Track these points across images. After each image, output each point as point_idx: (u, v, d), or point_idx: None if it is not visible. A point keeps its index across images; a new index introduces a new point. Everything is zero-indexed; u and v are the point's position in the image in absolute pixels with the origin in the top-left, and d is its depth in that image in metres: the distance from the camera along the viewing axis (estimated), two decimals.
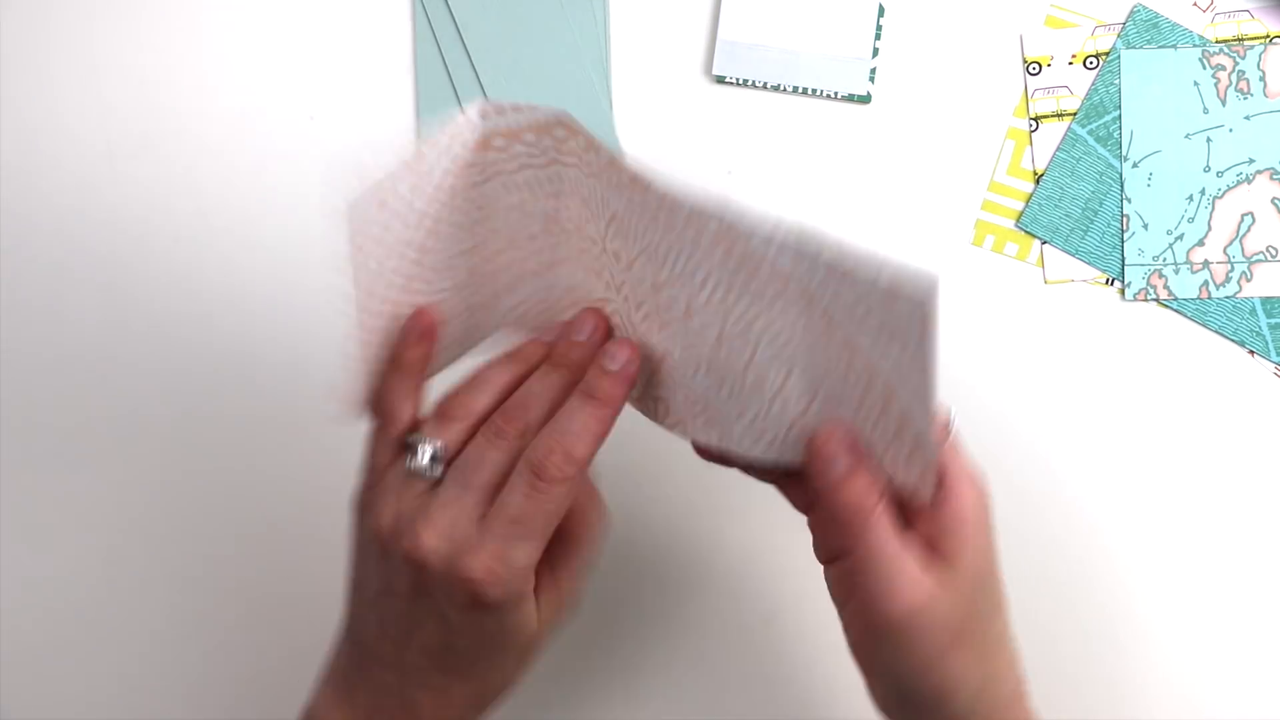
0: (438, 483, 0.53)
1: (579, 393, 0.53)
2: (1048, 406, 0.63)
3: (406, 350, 0.56)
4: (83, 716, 0.64)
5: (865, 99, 0.64)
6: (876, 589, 0.50)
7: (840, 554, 0.51)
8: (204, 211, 0.65)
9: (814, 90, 0.64)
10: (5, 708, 0.64)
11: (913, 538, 0.50)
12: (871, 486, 0.51)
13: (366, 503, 0.55)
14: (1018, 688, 0.52)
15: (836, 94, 0.64)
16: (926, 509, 0.51)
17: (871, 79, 0.64)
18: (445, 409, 0.54)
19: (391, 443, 0.55)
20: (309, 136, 0.65)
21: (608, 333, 0.55)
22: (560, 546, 0.54)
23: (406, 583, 0.52)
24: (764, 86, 0.64)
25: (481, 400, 0.54)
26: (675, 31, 0.65)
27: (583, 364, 0.54)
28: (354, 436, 0.64)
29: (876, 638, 0.51)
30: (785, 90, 0.64)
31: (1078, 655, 0.62)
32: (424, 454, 0.53)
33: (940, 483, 0.51)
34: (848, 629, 0.52)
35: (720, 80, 0.64)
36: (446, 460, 0.53)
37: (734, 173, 0.64)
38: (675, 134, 0.64)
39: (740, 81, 0.64)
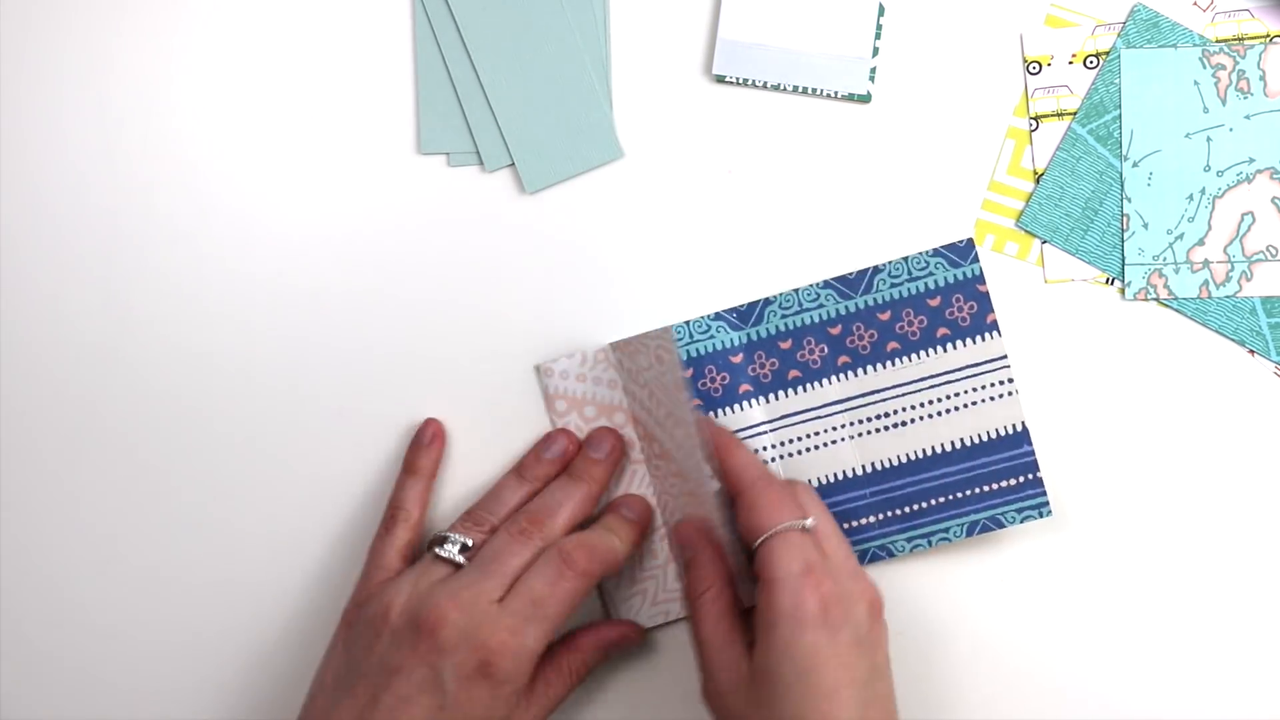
0: (458, 569, 0.56)
1: (610, 514, 0.59)
2: (1047, 406, 0.63)
3: (419, 457, 0.61)
4: (83, 716, 0.64)
5: (865, 99, 0.64)
6: (699, 660, 0.55)
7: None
8: (204, 211, 0.65)
9: (814, 90, 0.64)
10: (5, 708, 0.64)
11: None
12: (703, 576, 0.55)
13: (373, 594, 0.57)
14: None
15: (836, 94, 0.64)
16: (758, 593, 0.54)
17: (871, 79, 0.64)
18: (470, 516, 0.59)
19: (401, 546, 0.59)
20: (309, 136, 0.65)
21: (622, 452, 0.60)
22: (566, 653, 0.58)
23: (409, 653, 0.54)
24: (764, 86, 0.64)
25: (501, 511, 0.59)
26: (675, 31, 0.65)
27: (602, 480, 0.59)
28: (354, 437, 0.64)
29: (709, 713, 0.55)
30: (785, 90, 0.64)
31: (1077, 655, 0.62)
32: (454, 546, 0.57)
33: (761, 573, 0.53)
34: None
35: (720, 80, 0.64)
36: (470, 557, 0.57)
37: (734, 172, 0.64)
38: (675, 134, 0.64)
39: (740, 81, 0.64)
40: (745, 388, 0.61)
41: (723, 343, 0.60)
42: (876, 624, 0.54)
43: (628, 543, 0.58)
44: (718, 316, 0.61)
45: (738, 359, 0.61)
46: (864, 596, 0.54)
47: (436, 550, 0.57)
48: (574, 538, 0.56)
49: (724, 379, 0.60)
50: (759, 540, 0.53)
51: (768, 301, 0.61)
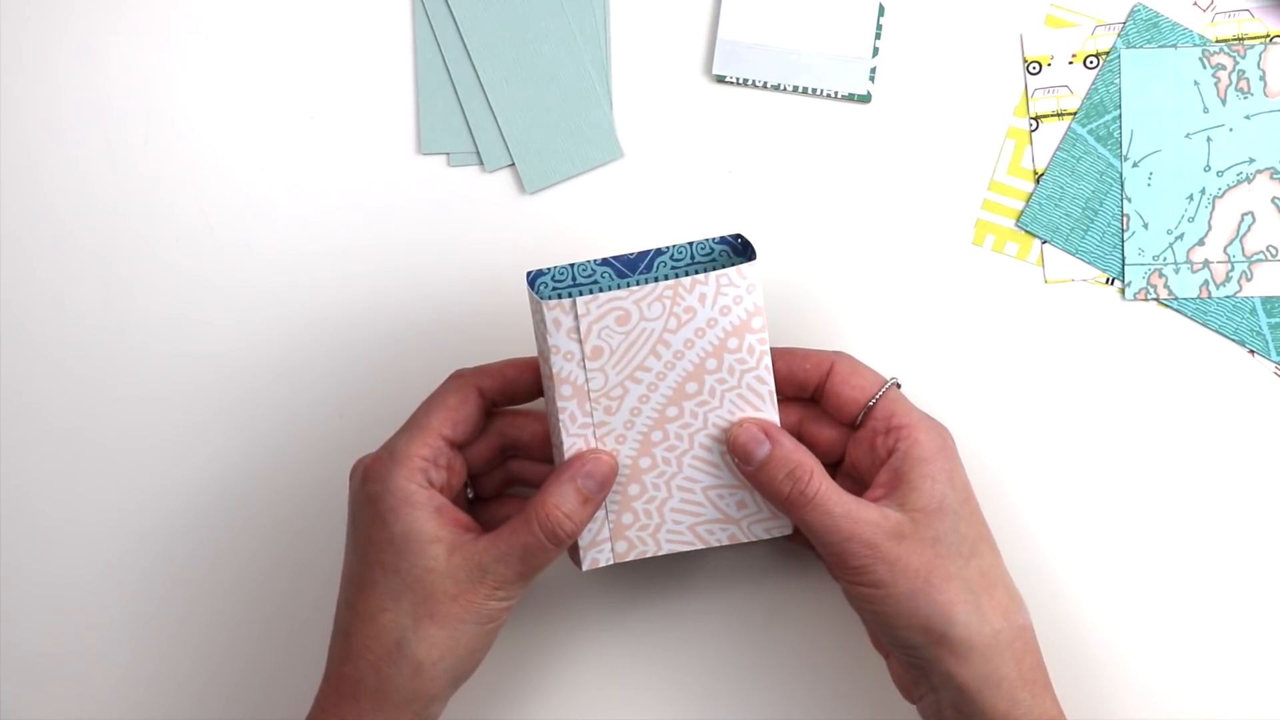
0: None
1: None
2: (1048, 406, 0.63)
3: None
4: (83, 716, 0.64)
5: (865, 99, 0.64)
6: (838, 540, 0.52)
7: (810, 531, 0.54)
8: (204, 211, 0.65)
9: (814, 90, 0.64)
10: (5, 708, 0.64)
11: (871, 493, 0.54)
12: (798, 463, 0.54)
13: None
14: (1022, 633, 0.53)
15: (836, 94, 0.64)
16: (882, 460, 0.54)
17: (872, 79, 0.64)
18: None
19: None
20: (309, 136, 0.65)
21: None
22: (510, 528, 0.54)
23: (350, 500, 0.56)
24: (764, 86, 0.64)
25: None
26: (675, 31, 0.65)
27: None
28: (353, 436, 0.64)
29: (860, 595, 0.53)
30: (785, 90, 0.64)
31: (1076, 655, 0.62)
32: None
33: (889, 430, 0.55)
34: (856, 606, 0.55)
35: (720, 80, 0.64)
36: None
37: (734, 172, 0.64)
38: (675, 134, 0.64)
39: (740, 81, 0.64)
40: None
41: (606, 288, 0.58)
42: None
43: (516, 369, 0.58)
44: (605, 262, 0.59)
45: None
46: (950, 432, 0.57)
47: None
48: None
49: None
50: (879, 393, 0.55)
51: (659, 251, 0.59)
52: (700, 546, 0.57)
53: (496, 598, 0.53)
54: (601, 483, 0.54)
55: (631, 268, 0.58)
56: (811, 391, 0.57)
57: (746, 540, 0.58)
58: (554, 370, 0.55)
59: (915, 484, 0.53)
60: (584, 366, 0.56)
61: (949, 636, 0.52)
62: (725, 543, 0.58)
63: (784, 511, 0.54)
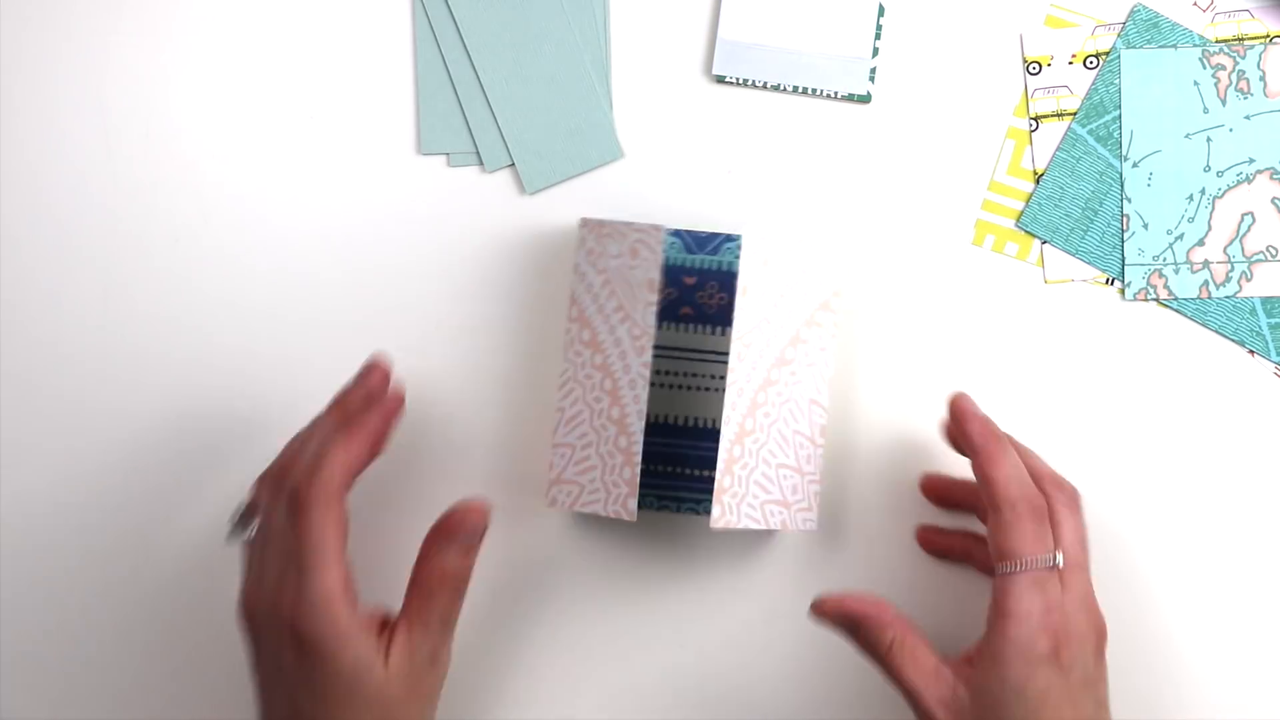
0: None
1: (338, 425, 0.56)
2: (1048, 406, 0.63)
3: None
4: (83, 716, 0.64)
5: (865, 99, 0.64)
6: (909, 699, 0.55)
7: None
8: (204, 211, 0.65)
9: (814, 90, 0.64)
10: (5, 708, 0.64)
11: (966, 654, 0.55)
12: (882, 627, 0.56)
13: None
14: None
15: (836, 94, 0.64)
16: (988, 617, 0.54)
17: (871, 79, 0.64)
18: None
19: None
20: (309, 136, 0.65)
21: (383, 390, 0.58)
22: (415, 600, 0.55)
23: (261, 649, 0.53)
24: (764, 86, 0.64)
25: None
26: (675, 31, 0.65)
27: (356, 406, 0.58)
28: None
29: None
30: (785, 90, 0.64)
31: None
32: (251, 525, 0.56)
33: (997, 603, 0.54)
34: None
35: (720, 80, 0.64)
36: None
37: (734, 172, 0.64)
38: (675, 134, 0.64)
39: (740, 81, 0.64)
40: (686, 310, 0.61)
41: (672, 260, 0.60)
42: (1101, 659, 0.55)
43: (364, 428, 0.56)
44: (676, 233, 0.61)
45: (691, 280, 0.61)
46: (1094, 632, 0.54)
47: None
48: (295, 468, 0.54)
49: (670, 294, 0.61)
50: (1005, 569, 0.53)
51: (728, 238, 0.61)
52: (762, 528, 0.57)
53: (439, 660, 0.55)
54: (478, 532, 0.55)
55: (701, 245, 0.60)
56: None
57: (790, 529, 0.58)
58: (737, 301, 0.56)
59: (986, 669, 0.53)
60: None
61: None
62: (775, 528, 0.58)
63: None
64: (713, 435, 0.61)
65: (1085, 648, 0.53)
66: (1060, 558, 0.54)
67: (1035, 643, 0.52)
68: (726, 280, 0.61)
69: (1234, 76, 0.63)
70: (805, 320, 0.58)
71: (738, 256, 0.59)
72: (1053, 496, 0.55)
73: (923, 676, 0.54)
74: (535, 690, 0.63)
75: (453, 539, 0.54)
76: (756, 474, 0.57)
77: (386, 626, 0.54)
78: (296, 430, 0.61)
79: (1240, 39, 0.63)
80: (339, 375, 0.64)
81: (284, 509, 0.53)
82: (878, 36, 0.64)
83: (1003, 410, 0.63)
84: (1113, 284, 0.63)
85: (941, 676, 0.54)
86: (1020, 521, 0.54)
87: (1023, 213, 0.64)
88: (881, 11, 0.64)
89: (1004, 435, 0.57)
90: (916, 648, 0.55)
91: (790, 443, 0.58)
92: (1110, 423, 0.63)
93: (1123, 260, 0.63)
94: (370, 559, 0.64)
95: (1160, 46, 0.63)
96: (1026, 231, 0.64)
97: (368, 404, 0.57)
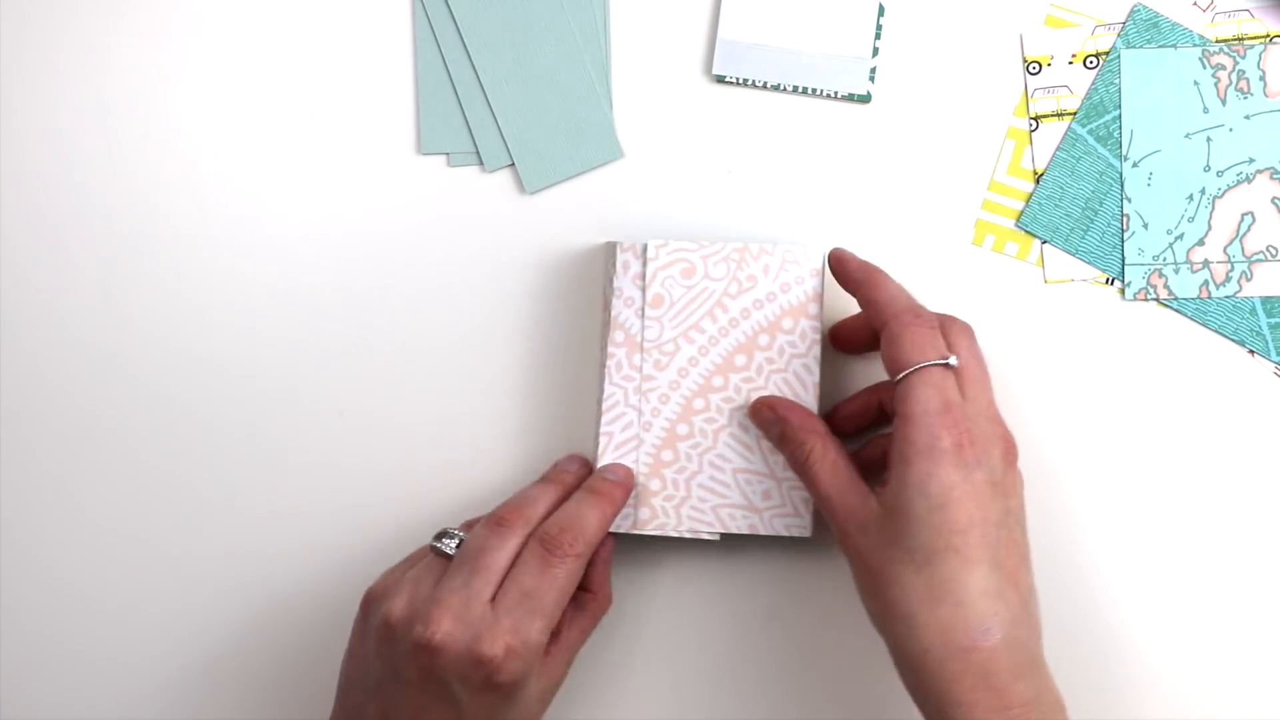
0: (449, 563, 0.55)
1: (583, 489, 0.57)
2: (1047, 406, 0.63)
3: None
4: (83, 716, 0.64)
5: (865, 99, 0.64)
6: (825, 513, 0.55)
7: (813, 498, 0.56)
8: (204, 211, 0.65)
9: (814, 90, 0.64)
10: (5, 708, 0.64)
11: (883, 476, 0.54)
12: (801, 437, 0.55)
13: (385, 589, 0.56)
14: (963, 655, 0.50)
15: (836, 94, 0.64)
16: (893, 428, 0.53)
17: (871, 79, 0.64)
18: (490, 516, 0.57)
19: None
20: (309, 136, 0.65)
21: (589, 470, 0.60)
22: (582, 622, 0.58)
23: (416, 669, 0.53)
24: (764, 86, 0.64)
25: (525, 511, 0.57)
26: (675, 31, 0.65)
27: (578, 479, 0.60)
28: (354, 437, 0.64)
29: (852, 568, 0.54)
30: (785, 90, 0.64)
31: (1076, 656, 0.62)
32: (453, 540, 0.56)
33: (899, 409, 0.53)
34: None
35: (720, 80, 0.64)
36: None
37: (734, 172, 0.64)
38: (675, 134, 0.64)
39: (740, 81, 0.64)
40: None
41: None
42: (1011, 470, 0.54)
43: (599, 512, 0.57)
44: None
45: None
46: (1000, 440, 0.54)
47: (433, 544, 0.56)
48: (553, 520, 0.56)
49: None
50: (900, 375, 0.53)
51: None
52: (719, 530, 0.58)
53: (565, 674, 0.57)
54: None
55: None
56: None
57: (765, 533, 0.58)
58: (612, 315, 0.56)
59: (893, 480, 0.52)
60: (642, 315, 0.56)
61: (885, 639, 0.52)
62: (744, 531, 0.58)
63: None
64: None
65: (991, 450, 0.53)
66: (955, 360, 0.53)
67: (936, 438, 0.51)
68: None
69: (1234, 76, 0.63)
70: (763, 327, 0.57)
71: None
72: (945, 320, 0.56)
73: (837, 487, 0.54)
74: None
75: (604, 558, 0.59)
76: (702, 478, 0.58)
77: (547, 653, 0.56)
78: (293, 427, 0.61)
79: (1240, 39, 0.63)
80: (338, 374, 0.64)
81: (537, 554, 0.54)
82: (878, 36, 0.64)
83: (1002, 410, 0.63)
84: (1113, 284, 0.63)
85: (856, 489, 0.54)
86: (908, 329, 0.54)
87: (1023, 213, 0.64)
88: (881, 11, 0.64)
89: (883, 269, 0.57)
90: (837, 461, 0.55)
91: (756, 448, 0.58)
92: (1110, 423, 0.63)
93: (1123, 260, 0.63)
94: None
95: (1160, 46, 0.63)
96: (1026, 231, 0.64)
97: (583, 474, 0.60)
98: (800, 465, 0.56)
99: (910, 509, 0.51)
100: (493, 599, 0.53)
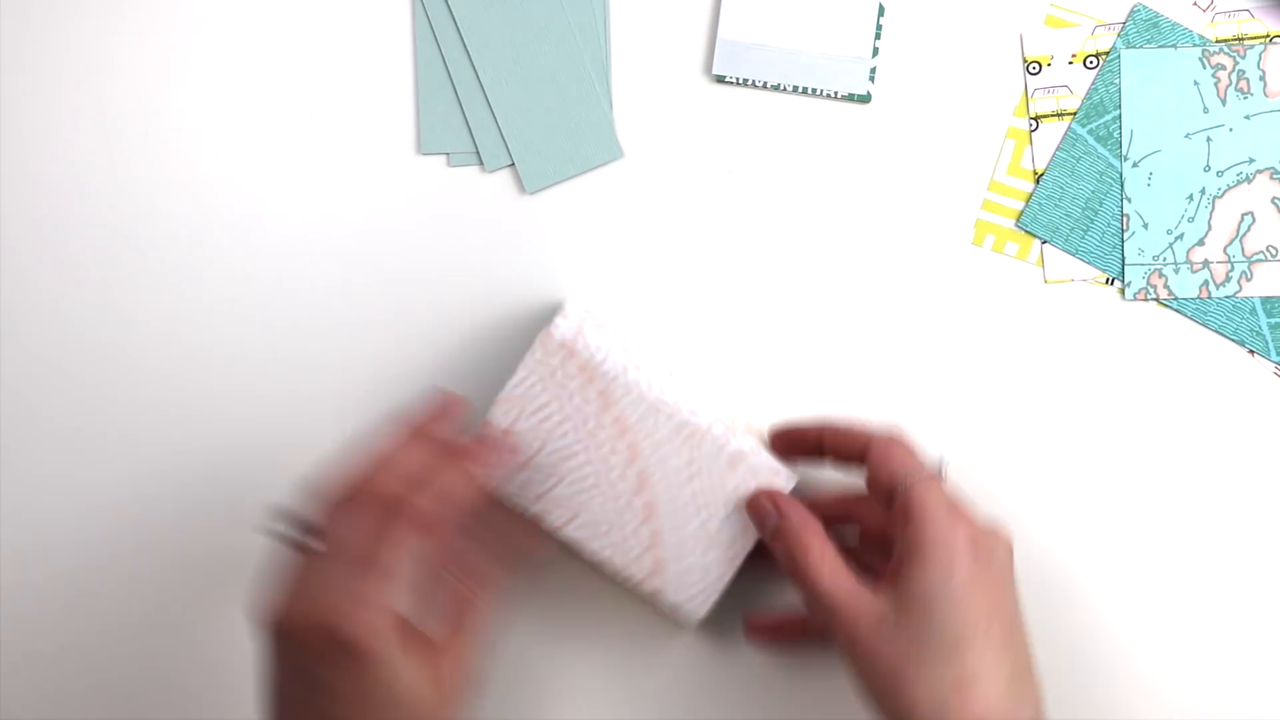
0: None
1: (445, 453, 0.55)
2: (1047, 406, 0.63)
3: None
4: (83, 716, 0.64)
5: (865, 99, 0.64)
6: (827, 615, 0.53)
7: (805, 604, 0.54)
8: (204, 211, 0.65)
9: (814, 90, 0.64)
10: (5, 708, 0.64)
11: (880, 575, 0.53)
12: (800, 536, 0.55)
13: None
14: None
15: (836, 94, 0.64)
16: (897, 533, 0.53)
17: (871, 79, 0.64)
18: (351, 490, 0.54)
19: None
20: (309, 136, 0.65)
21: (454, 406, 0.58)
22: (448, 626, 0.54)
23: (288, 663, 0.51)
24: (764, 86, 0.64)
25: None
26: (675, 31, 0.65)
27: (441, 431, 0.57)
28: (353, 437, 0.64)
29: (849, 666, 0.53)
30: (785, 90, 0.64)
31: (1076, 656, 0.62)
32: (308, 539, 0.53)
33: (908, 512, 0.53)
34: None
35: (720, 80, 0.64)
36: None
37: (734, 172, 0.64)
38: (675, 134, 0.64)
39: (740, 81, 0.64)
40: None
41: None
42: (1012, 567, 0.54)
43: (478, 459, 0.56)
44: None
45: None
46: (1002, 538, 0.54)
47: (295, 538, 0.54)
48: (423, 493, 0.53)
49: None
50: (903, 484, 0.53)
51: None
52: (731, 572, 0.59)
53: (476, 675, 0.54)
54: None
55: None
56: (859, 464, 0.57)
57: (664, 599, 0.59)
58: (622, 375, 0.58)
59: (908, 574, 0.52)
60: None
61: None
62: (743, 557, 0.58)
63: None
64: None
65: (997, 543, 0.54)
66: (944, 472, 0.55)
67: (953, 534, 0.52)
68: None
69: (1234, 76, 0.63)
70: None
71: None
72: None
73: (842, 589, 0.53)
74: (531, 691, 0.63)
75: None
76: (688, 545, 0.59)
77: (432, 645, 0.52)
78: (295, 429, 0.62)
79: (1240, 39, 0.63)
80: (338, 374, 0.64)
81: (372, 521, 0.51)
82: (878, 36, 0.64)
83: (1002, 410, 0.63)
84: (1113, 284, 0.63)
85: (859, 589, 0.53)
86: (894, 444, 0.55)
87: (1023, 213, 0.64)
88: (881, 11, 0.64)
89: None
90: (836, 560, 0.54)
91: (711, 493, 0.58)
92: (1110, 423, 0.63)
93: (1123, 260, 0.63)
94: None
95: (1160, 46, 0.63)
96: (1026, 231, 0.64)
97: (446, 427, 0.57)
98: (798, 564, 0.54)
99: (930, 604, 0.51)
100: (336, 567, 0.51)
